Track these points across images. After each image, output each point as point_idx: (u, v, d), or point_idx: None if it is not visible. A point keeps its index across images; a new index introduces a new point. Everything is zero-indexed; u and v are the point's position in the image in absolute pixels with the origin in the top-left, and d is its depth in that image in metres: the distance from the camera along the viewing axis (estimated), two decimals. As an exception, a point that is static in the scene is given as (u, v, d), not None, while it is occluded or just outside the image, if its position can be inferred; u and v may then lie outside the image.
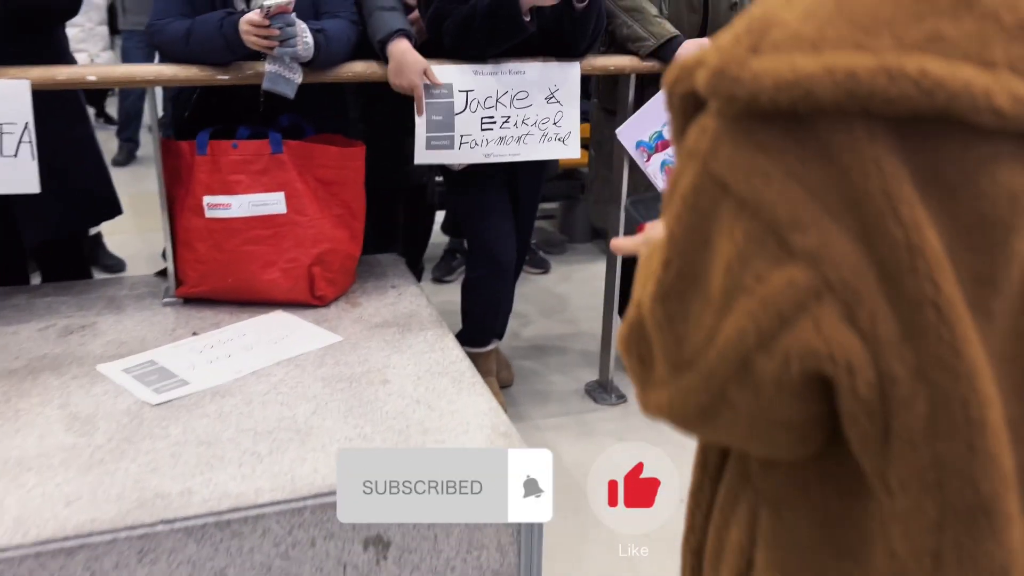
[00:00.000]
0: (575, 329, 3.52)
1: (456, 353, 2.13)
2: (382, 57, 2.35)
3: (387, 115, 2.70)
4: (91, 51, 5.04)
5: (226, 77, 2.22)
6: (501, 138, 2.46)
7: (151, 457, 1.66)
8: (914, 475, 0.58)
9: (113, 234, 4.00)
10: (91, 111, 6.85)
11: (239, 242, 2.29)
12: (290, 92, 2.19)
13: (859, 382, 0.57)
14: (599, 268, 4.17)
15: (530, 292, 3.83)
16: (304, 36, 2.13)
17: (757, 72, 0.56)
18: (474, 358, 2.69)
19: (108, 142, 5.89)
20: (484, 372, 2.78)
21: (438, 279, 3.95)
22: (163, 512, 1.50)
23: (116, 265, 3.96)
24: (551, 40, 2.47)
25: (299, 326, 2.25)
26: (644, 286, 0.72)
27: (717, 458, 0.78)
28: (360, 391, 1.93)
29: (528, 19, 2.32)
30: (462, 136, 2.42)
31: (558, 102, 2.51)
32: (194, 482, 1.59)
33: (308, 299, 2.35)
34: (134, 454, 1.67)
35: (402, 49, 2.31)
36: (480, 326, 2.80)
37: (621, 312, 2.93)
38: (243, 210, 2.28)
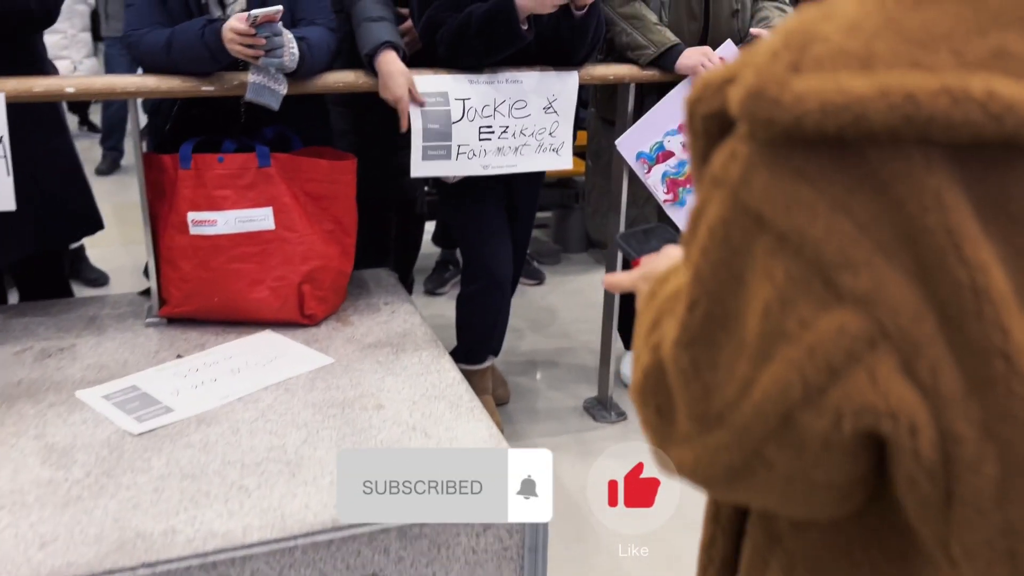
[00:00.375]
0: (572, 343, 3.44)
1: (453, 375, 2.05)
2: (370, 70, 2.27)
3: (378, 125, 2.62)
4: (74, 58, 4.95)
5: (211, 88, 2.13)
6: (499, 148, 2.38)
7: (132, 493, 1.57)
8: (982, 544, 0.51)
9: (96, 246, 3.90)
10: (74, 119, 6.75)
11: (225, 260, 2.20)
12: (275, 104, 2.10)
13: (922, 443, 0.50)
14: (594, 278, 4.11)
15: (524, 304, 3.74)
16: (291, 46, 2.04)
17: (800, 93, 0.49)
18: (469, 376, 2.61)
19: (92, 150, 5.80)
20: (480, 390, 2.69)
21: (430, 292, 3.87)
22: (144, 555, 1.41)
23: (99, 279, 3.86)
24: (548, 49, 2.39)
25: (288, 347, 2.16)
26: (654, 327, 0.66)
27: (732, 510, 0.72)
28: (353, 417, 1.84)
29: (526, 27, 2.24)
30: (459, 146, 2.33)
31: (555, 112, 2.43)
32: (177, 520, 1.50)
33: (298, 318, 2.26)
34: (114, 489, 1.58)
35: (386, 61, 2.23)
36: (476, 343, 2.71)
37: (621, 328, 2.85)
38: (229, 226, 2.19)
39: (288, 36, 2.04)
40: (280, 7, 1.99)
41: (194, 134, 2.22)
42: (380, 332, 2.27)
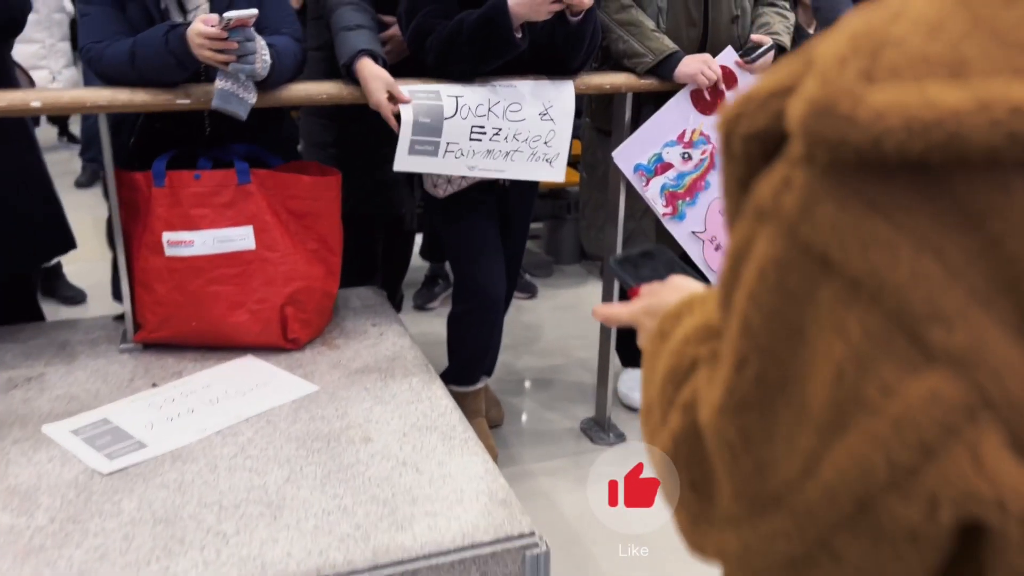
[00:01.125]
0: (567, 360, 3.33)
1: (445, 403, 1.94)
2: (350, 80, 2.16)
3: (362, 137, 2.51)
4: (53, 68, 4.83)
5: (187, 101, 2.02)
6: (489, 151, 2.26)
7: (100, 540, 1.45)
8: None
9: (74, 261, 3.75)
10: (54, 131, 6.61)
11: (203, 282, 2.08)
12: (243, 112, 1.97)
13: None
14: (588, 290, 4.00)
15: (516, 320, 3.63)
16: (263, 52, 1.93)
17: (879, 109, 0.40)
18: (462, 397, 2.51)
19: (71, 162, 5.68)
20: (472, 412, 2.59)
21: (419, 307, 3.75)
22: (111, 613, 1.29)
23: (76, 296, 3.72)
24: (542, 57, 2.28)
25: (271, 374, 2.04)
26: (675, 379, 0.57)
27: None
28: (339, 452, 1.73)
29: (519, 35, 2.14)
30: (448, 143, 2.21)
31: (551, 120, 2.31)
32: (148, 572, 1.38)
33: (280, 343, 2.14)
34: (80, 537, 1.46)
35: (362, 68, 2.12)
36: (468, 363, 2.60)
37: (619, 347, 2.74)
38: (207, 247, 2.07)
39: (260, 42, 1.93)
40: (255, 11, 1.88)
41: (159, 148, 2.10)
42: (368, 356, 2.16)
